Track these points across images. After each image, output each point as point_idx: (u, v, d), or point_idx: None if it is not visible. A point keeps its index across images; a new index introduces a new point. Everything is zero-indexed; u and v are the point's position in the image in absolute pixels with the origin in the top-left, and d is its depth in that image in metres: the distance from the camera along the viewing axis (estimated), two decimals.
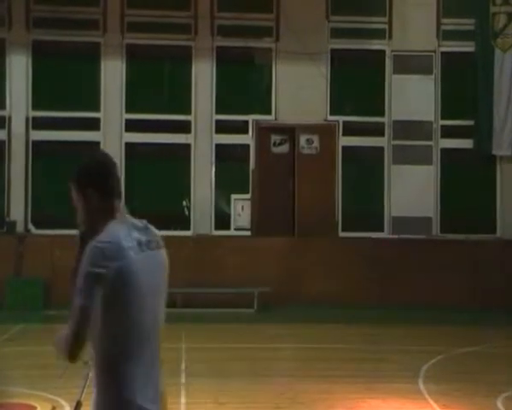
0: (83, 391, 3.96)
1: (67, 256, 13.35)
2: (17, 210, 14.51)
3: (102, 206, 2.90)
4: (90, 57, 14.91)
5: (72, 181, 2.97)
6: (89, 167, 2.98)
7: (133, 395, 2.77)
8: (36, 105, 14.79)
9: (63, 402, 7.29)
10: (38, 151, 14.80)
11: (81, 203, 2.93)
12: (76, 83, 14.85)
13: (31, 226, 14.61)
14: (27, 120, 14.75)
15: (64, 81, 14.86)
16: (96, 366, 2.87)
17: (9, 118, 14.68)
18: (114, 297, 2.77)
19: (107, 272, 2.74)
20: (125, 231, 2.83)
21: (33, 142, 14.79)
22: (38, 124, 14.79)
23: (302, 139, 15.14)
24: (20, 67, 14.68)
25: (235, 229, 14.89)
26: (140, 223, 2.94)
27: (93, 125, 14.81)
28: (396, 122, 15.13)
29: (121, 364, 2.80)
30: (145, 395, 2.80)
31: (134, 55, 15.00)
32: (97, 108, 14.84)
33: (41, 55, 14.90)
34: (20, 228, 14.40)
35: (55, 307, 13.34)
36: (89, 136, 14.76)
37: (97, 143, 14.73)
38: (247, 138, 15.11)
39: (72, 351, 2.80)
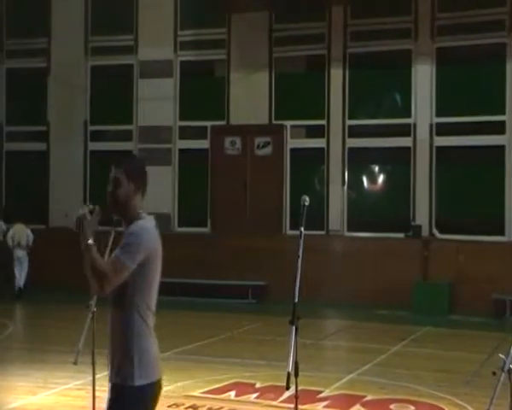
0: (491, 402, 3.94)
1: (472, 262, 13.43)
2: (422, 215, 14.92)
3: (139, 200, 3.61)
4: (494, 59, 14.72)
5: (123, 169, 3.58)
6: (140, 165, 3.70)
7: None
8: (439, 111, 15.08)
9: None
10: (441, 156, 15.05)
11: (123, 190, 3.56)
12: (480, 87, 14.78)
13: (435, 231, 14.90)
14: (431, 126, 15.08)
15: (467, 86, 14.90)
16: (121, 308, 3.53)
17: (414, 125, 15.18)
18: (146, 268, 3.51)
19: (150, 249, 3.52)
20: (153, 223, 3.63)
21: (437, 147, 15.08)
22: (441, 130, 15.04)
23: None
24: (424, 75, 15.08)
25: None
26: (153, 218, 3.70)
27: (497, 129, 14.56)
28: None
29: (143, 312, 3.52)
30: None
31: None
32: (503, 112, 14.55)
33: (444, 63, 15.13)
34: (424, 232, 14.78)
35: (460, 312, 13.46)
36: (491, 140, 14.61)
37: (501, 148, 14.51)
38: None
39: (96, 284, 3.43)
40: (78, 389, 7.70)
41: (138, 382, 3.43)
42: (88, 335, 4.13)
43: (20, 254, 15.60)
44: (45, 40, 17.77)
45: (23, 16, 17.96)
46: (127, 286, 3.50)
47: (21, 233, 15.66)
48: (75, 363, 3.94)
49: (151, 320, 3.56)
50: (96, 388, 4.44)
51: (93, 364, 4.26)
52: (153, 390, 3.50)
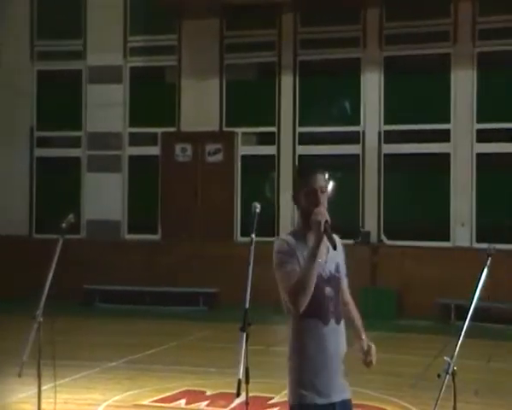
0: (436, 404, 3.99)
1: (418, 267, 13.58)
2: (370, 221, 15.09)
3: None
4: (440, 69, 14.98)
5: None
6: (296, 175, 3.57)
7: None
8: (387, 119, 15.28)
9: None
10: (390, 164, 15.25)
11: (300, 208, 3.74)
12: (424, 96, 15.02)
13: (383, 237, 15.09)
14: (379, 134, 15.28)
15: (413, 95, 15.13)
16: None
17: (363, 132, 15.35)
18: None
19: None
20: None
21: (385, 155, 15.28)
22: (389, 137, 15.25)
23: None
24: (372, 83, 15.28)
25: None
26: None
27: (443, 137, 14.84)
28: None
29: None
30: None
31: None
32: (448, 120, 14.84)
33: (392, 71, 15.34)
34: (373, 238, 14.96)
35: (406, 317, 13.65)
36: (437, 147, 14.88)
37: (447, 155, 14.79)
38: None
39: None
40: (23, 403, 7.54)
41: None
42: (33, 346, 4.07)
43: None
44: None
45: None
46: None
47: None
48: (19, 375, 3.88)
49: None
50: (42, 400, 4.36)
51: (39, 376, 4.19)
52: None
